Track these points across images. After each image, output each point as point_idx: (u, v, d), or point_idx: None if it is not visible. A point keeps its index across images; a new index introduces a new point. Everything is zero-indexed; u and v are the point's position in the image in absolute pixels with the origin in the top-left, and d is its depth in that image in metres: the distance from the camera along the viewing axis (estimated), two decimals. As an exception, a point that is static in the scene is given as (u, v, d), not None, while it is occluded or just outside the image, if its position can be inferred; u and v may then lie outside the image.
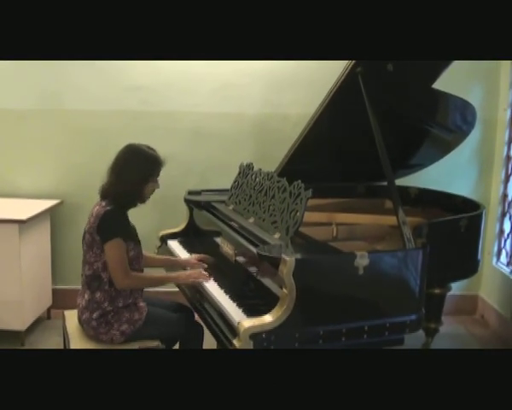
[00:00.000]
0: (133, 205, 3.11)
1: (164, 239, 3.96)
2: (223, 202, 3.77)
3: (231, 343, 2.53)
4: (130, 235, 3.04)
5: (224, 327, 2.71)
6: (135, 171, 3.04)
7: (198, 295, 3.13)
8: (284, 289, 2.53)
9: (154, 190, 3.14)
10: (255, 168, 3.59)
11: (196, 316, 3.17)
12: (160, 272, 3.47)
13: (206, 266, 3.27)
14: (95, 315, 2.99)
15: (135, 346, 3.00)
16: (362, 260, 2.66)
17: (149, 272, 3.26)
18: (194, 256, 3.45)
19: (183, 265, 3.45)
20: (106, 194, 3.06)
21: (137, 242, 3.11)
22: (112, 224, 2.98)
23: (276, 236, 2.96)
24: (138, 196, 3.09)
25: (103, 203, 3.03)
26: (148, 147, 3.13)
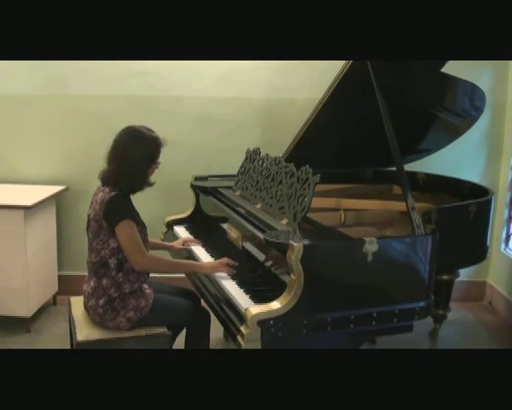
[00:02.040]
0: (138, 189, 3.07)
1: (170, 225, 3.95)
2: (229, 187, 3.75)
3: (238, 330, 2.51)
4: (136, 219, 3.02)
5: (232, 314, 2.69)
6: (137, 154, 2.98)
7: (205, 280, 3.11)
8: (292, 276, 2.51)
9: (153, 172, 3.10)
10: (262, 153, 3.56)
11: (203, 302, 3.16)
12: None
13: (236, 263, 3.14)
14: (101, 302, 2.97)
15: (141, 333, 2.99)
16: (370, 247, 2.63)
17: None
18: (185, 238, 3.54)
19: (176, 250, 3.51)
20: (108, 180, 3.01)
21: (143, 226, 3.09)
22: (119, 207, 2.95)
23: (284, 222, 2.94)
24: (142, 180, 3.05)
25: (107, 189, 2.99)
26: (147, 128, 3.08)
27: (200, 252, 3.43)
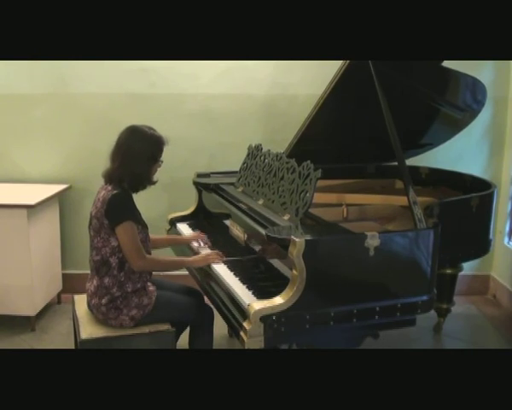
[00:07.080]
0: (141, 188, 3.09)
1: (173, 222, 3.95)
2: (232, 184, 3.75)
3: (241, 326, 2.52)
4: (137, 218, 3.02)
5: (235, 310, 2.70)
6: (140, 153, 3.00)
7: (208, 277, 3.12)
8: (294, 271, 2.52)
9: (156, 170, 3.12)
10: (264, 149, 3.57)
11: (206, 299, 3.16)
12: (172, 256, 3.48)
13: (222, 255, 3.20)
14: (104, 301, 2.98)
15: (145, 330, 3.00)
16: (372, 241, 2.64)
17: (164, 256, 3.24)
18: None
19: (187, 242, 3.52)
20: (112, 178, 3.02)
21: (144, 225, 3.09)
22: (120, 207, 2.95)
23: (286, 217, 2.94)
24: (146, 178, 3.06)
25: (109, 187, 3.00)
26: (149, 127, 3.09)
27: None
